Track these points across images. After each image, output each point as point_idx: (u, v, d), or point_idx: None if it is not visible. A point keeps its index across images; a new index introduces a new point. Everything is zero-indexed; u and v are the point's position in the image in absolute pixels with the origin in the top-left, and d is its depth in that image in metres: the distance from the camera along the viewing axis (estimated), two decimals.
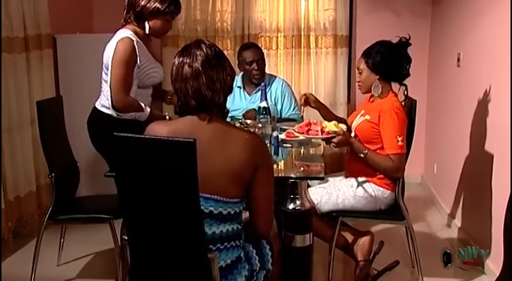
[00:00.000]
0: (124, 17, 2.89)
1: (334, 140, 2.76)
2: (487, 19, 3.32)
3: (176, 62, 1.96)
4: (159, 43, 3.07)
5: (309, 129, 2.87)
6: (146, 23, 2.84)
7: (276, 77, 3.98)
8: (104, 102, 2.91)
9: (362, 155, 2.81)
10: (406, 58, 2.90)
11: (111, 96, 2.78)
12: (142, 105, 2.84)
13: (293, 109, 3.86)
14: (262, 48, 4.61)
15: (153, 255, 1.96)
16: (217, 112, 1.99)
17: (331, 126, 2.82)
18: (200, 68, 1.91)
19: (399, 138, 2.78)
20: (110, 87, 2.79)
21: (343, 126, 2.88)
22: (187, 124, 1.97)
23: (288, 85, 3.97)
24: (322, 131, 2.80)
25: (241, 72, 3.86)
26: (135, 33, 2.85)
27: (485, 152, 3.22)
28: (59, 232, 3.29)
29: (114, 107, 2.80)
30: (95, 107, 2.96)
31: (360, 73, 2.93)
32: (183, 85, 1.94)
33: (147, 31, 2.86)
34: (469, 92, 3.52)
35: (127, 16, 2.88)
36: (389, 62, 2.88)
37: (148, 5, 2.80)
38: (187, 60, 1.93)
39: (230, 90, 2.02)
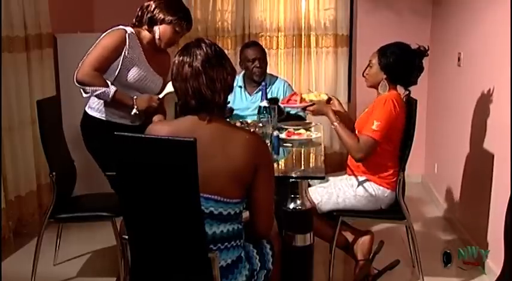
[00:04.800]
0: (134, 21, 2.91)
1: (310, 107, 3.01)
2: (488, 19, 3.32)
3: (176, 61, 1.96)
4: (168, 59, 3.05)
5: (289, 100, 3.16)
6: (156, 28, 2.84)
7: (277, 77, 3.98)
8: (91, 104, 2.94)
9: (332, 127, 2.89)
10: (418, 67, 2.89)
11: (78, 69, 2.77)
12: (109, 82, 2.78)
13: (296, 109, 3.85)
14: None
15: (153, 254, 1.96)
16: (218, 112, 1.98)
17: (310, 96, 3.09)
18: (200, 68, 1.91)
19: (376, 123, 2.77)
20: (81, 62, 2.78)
21: (324, 97, 3.12)
22: (187, 124, 1.97)
23: (290, 85, 3.97)
24: (302, 101, 3.06)
25: (242, 72, 3.86)
26: (138, 34, 2.88)
27: (485, 152, 3.22)
28: (58, 232, 3.30)
29: (76, 79, 2.77)
30: (84, 111, 2.99)
31: (370, 67, 2.93)
32: (183, 85, 1.93)
33: (156, 36, 2.86)
34: (470, 92, 3.52)
35: (137, 20, 2.89)
36: (400, 66, 2.86)
37: (159, 13, 2.82)
38: (188, 60, 1.93)
39: (231, 89, 2.02)
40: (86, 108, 2.97)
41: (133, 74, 2.86)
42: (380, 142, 2.79)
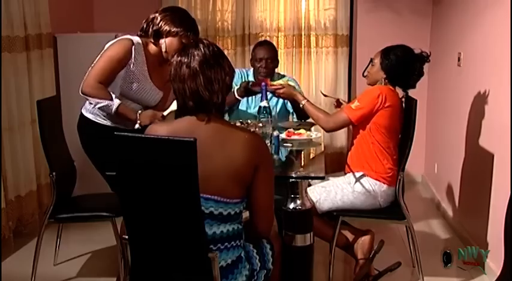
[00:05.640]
0: (139, 33, 2.88)
1: (280, 90, 3.23)
2: (488, 19, 3.32)
3: (174, 62, 1.95)
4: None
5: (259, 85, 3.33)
6: (163, 40, 2.81)
7: (284, 75, 3.97)
8: (87, 106, 2.94)
9: (301, 105, 3.09)
10: (419, 72, 2.94)
11: (84, 81, 2.77)
12: (113, 96, 2.77)
13: None
14: None
15: (153, 255, 1.96)
16: (216, 112, 1.98)
17: (279, 81, 3.36)
18: (198, 68, 1.91)
19: (356, 104, 2.89)
20: (88, 73, 2.77)
21: (291, 83, 3.37)
22: (186, 125, 1.96)
23: (294, 79, 3.96)
24: (272, 85, 3.28)
25: (252, 68, 3.86)
26: (144, 45, 2.85)
27: (485, 152, 3.22)
28: (58, 232, 3.30)
29: (81, 91, 2.77)
30: (81, 113, 2.99)
31: (372, 65, 3.01)
32: (181, 85, 1.93)
33: (163, 49, 2.81)
34: (470, 92, 3.52)
35: (142, 32, 2.86)
36: (400, 67, 2.92)
37: (165, 26, 2.78)
38: (185, 60, 1.92)
39: (229, 89, 2.01)
40: (82, 110, 2.97)
41: (132, 87, 2.85)
42: (353, 122, 2.90)
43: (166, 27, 2.78)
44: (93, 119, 2.91)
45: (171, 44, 2.79)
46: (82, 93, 2.79)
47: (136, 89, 2.87)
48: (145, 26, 2.84)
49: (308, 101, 3.10)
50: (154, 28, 2.80)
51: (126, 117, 2.80)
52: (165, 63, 2.86)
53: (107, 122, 2.91)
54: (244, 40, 4.89)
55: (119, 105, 2.77)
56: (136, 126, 2.80)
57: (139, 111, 2.81)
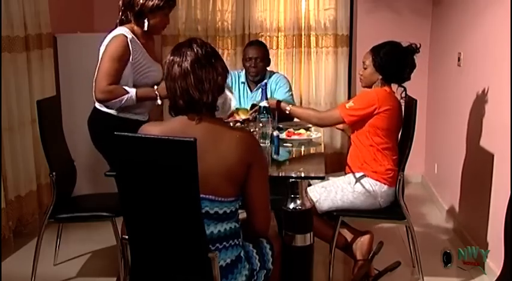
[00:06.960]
0: (119, 18, 2.89)
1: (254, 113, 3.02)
2: (488, 19, 3.32)
3: (167, 61, 1.96)
4: (158, 42, 3.03)
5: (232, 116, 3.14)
6: (146, 20, 2.83)
7: (275, 73, 3.97)
8: None
9: (287, 111, 3.07)
10: (411, 64, 2.94)
11: (95, 89, 2.78)
12: (127, 88, 2.79)
13: (285, 93, 3.81)
14: None
15: (153, 254, 1.97)
16: (207, 112, 1.98)
17: (243, 113, 3.16)
18: (189, 68, 1.91)
19: (350, 104, 2.90)
20: (95, 80, 2.78)
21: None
22: (178, 124, 1.97)
23: (285, 77, 3.95)
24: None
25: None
26: (132, 31, 2.86)
27: (485, 152, 3.22)
28: (58, 232, 3.29)
29: (96, 99, 2.80)
30: (94, 107, 2.96)
31: (365, 68, 2.98)
32: (172, 84, 1.94)
33: (145, 28, 2.84)
34: (470, 92, 3.52)
35: (123, 16, 2.88)
36: (393, 64, 2.91)
37: (147, 3, 2.79)
38: (177, 60, 1.93)
39: (221, 90, 2.01)
40: (98, 106, 2.91)
41: (143, 74, 2.87)
42: (346, 122, 2.93)
43: (149, 3, 2.79)
44: (114, 113, 2.87)
45: (155, 19, 2.83)
46: (98, 101, 2.81)
47: (149, 76, 2.89)
48: (123, 9, 2.86)
49: (292, 104, 3.13)
50: (136, 9, 2.81)
51: (147, 98, 2.84)
52: (149, 37, 2.95)
53: (128, 115, 2.89)
54: (244, 40, 4.87)
55: (136, 92, 2.80)
56: (158, 101, 2.85)
57: (156, 87, 2.85)
